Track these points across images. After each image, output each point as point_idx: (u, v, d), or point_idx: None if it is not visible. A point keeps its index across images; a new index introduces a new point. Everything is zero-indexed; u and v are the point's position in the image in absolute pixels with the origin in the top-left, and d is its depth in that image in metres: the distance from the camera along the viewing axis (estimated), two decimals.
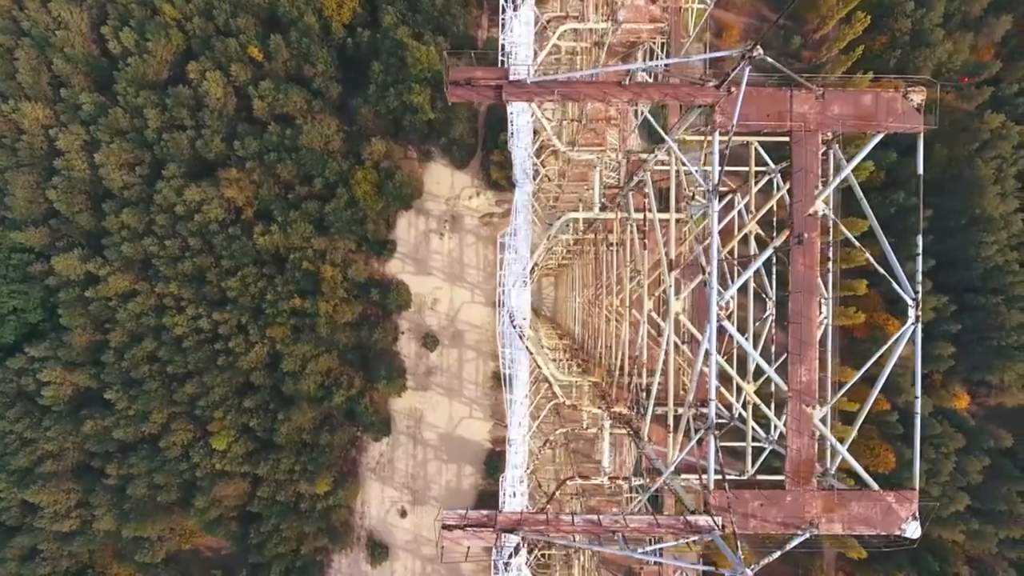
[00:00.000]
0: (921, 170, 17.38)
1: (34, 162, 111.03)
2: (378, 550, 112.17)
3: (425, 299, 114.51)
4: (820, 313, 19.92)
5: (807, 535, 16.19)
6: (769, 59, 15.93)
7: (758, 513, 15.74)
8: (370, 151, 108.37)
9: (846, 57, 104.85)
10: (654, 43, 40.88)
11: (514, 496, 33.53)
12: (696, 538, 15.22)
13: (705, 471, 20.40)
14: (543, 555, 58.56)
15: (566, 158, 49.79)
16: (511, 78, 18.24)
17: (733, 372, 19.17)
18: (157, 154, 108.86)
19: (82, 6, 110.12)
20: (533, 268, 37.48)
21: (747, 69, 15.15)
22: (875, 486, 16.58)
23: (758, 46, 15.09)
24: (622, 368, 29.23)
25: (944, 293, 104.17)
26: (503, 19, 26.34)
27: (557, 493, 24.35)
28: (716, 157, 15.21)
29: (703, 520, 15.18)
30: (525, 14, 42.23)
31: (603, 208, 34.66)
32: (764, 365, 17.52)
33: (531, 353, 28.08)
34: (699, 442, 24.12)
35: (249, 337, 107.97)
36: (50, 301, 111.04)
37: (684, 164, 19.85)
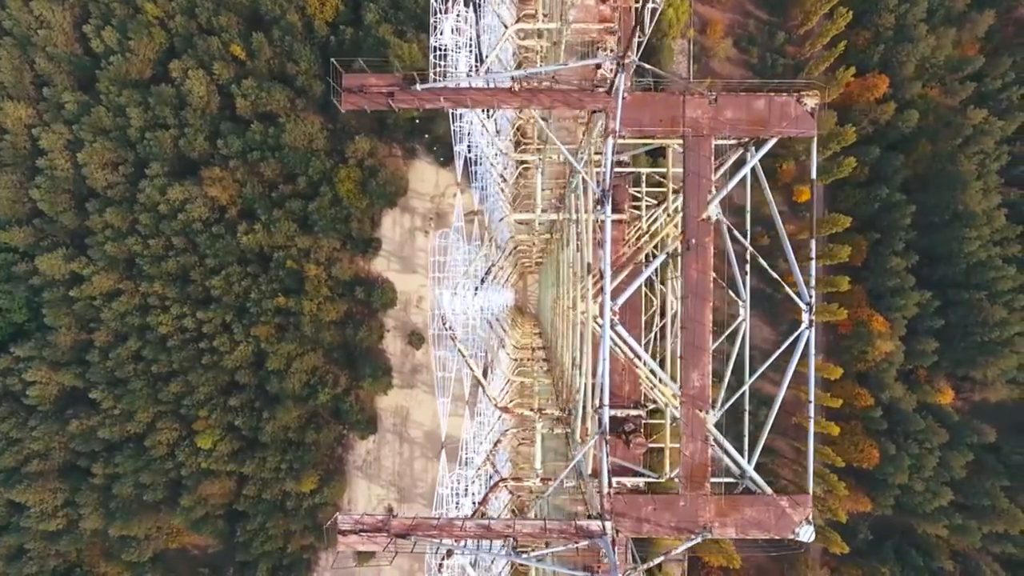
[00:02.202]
0: (815, 174, 17.28)
1: (17, 161, 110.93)
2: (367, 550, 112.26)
3: (411, 297, 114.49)
4: (739, 315, 19.91)
5: (699, 539, 16.24)
6: (645, 65, 15.77)
7: (652, 517, 15.78)
8: (354, 149, 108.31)
9: (829, 53, 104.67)
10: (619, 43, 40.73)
11: (465, 495, 33.67)
12: (586, 542, 15.30)
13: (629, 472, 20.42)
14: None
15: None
16: (432, 82, 18.23)
17: (645, 371, 19.13)
18: (140, 153, 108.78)
19: (64, 5, 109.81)
20: (490, 269, 37.44)
21: (623, 75, 15.06)
22: (768, 490, 16.61)
23: (630, 52, 15.04)
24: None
25: (928, 289, 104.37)
26: (433, 21, 26.24)
27: (491, 494, 24.55)
28: (608, 162, 15.20)
29: (594, 524, 15.25)
30: (505, 17, 42.04)
31: (557, 209, 34.68)
32: (657, 368, 17.49)
33: (463, 356, 28.16)
34: (627, 443, 24.17)
35: (234, 336, 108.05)
36: (35, 301, 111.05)
37: (578, 169, 19.84)
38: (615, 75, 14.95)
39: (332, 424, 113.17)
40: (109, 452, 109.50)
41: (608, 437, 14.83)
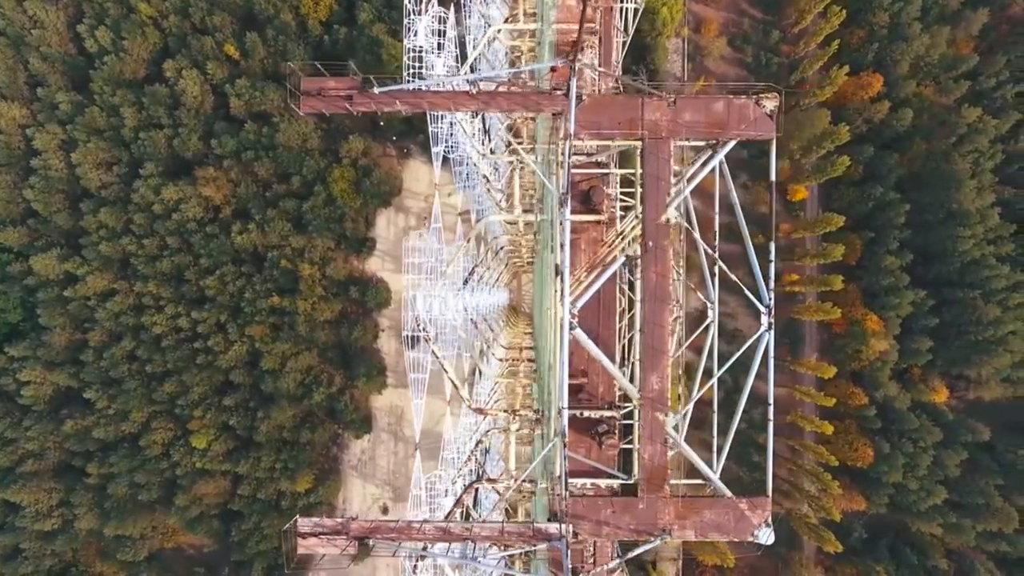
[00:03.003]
0: (774, 176, 17.27)
1: (11, 162, 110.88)
2: (360, 547, 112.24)
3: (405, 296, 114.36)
4: (707, 318, 19.91)
5: (658, 542, 16.23)
6: (599, 68, 15.71)
7: (611, 520, 15.77)
8: (348, 149, 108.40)
9: (823, 51, 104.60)
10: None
11: (446, 495, 33.66)
12: (545, 545, 15.33)
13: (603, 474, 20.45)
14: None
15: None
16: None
17: (616, 373, 19.02)
18: (134, 153, 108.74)
19: (58, 5, 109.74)
20: (473, 269, 37.44)
21: (575, 79, 15.08)
22: (728, 492, 16.61)
23: (579, 55, 15.01)
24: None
25: (922, 288, 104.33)
26: (407, 22, 26.21)
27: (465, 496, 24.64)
28: (566, 163, 15.18)
29: (552, 527, 15.25)
30: (494, 17, 41.91)
31: (541, 210, 34.53)
32: (616, 372, 17.46)
33: (436, 356, 28.22)
34: (600, 444, 24.19)
35: (228, 336, 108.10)
36: (29, 301, 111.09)
37: (536, 170, 19.84)
38: (569, 78, 14.99)
39: (327, 423, 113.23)
40: (104, 452, 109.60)
41: (566, 440, 14.84)
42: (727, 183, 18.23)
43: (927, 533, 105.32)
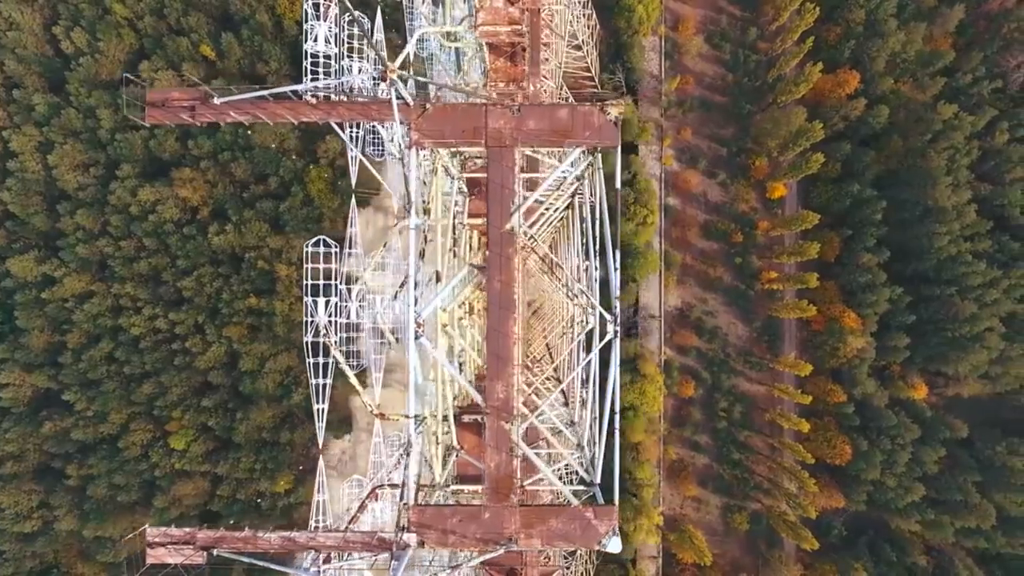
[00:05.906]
0: (620, 184, 17.05)
1: None
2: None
3: (384, 296, 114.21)
4: (586, 321, 19.84)
5: (503, 550, 16.17)
6: (419, 78, 15.64)
7: (457, 529, 15.70)
8: (325, 149, 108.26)
9: (799, 48, 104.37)
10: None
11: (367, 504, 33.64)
12: (385, 555, 15.30)
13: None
14: None
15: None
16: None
17: (464, 382, 18.96)
18: (111, 154, 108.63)
19: (33, 6, 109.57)
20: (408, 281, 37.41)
21: (393, 88, 15.02)
22: (575, 501, 16.52)
23: (399, 69, 14.91)
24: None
25: (899, 285, 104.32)
26: (306, 27, 26.08)
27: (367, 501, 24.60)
28: (412, 174, 15.06)
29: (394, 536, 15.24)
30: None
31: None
32: (460, 379, 17.37)
33: (338, 361, 28.15)
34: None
35: (206, 337, 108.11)
36: (7, 303, 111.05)
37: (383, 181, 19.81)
38: (392, 87, 14.91)
39: (307, 424, 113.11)
40: (83, 453, 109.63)
41: (410, 449, 14.81)
42: (599, 188, 18.16)
43: (906, 530, 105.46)
